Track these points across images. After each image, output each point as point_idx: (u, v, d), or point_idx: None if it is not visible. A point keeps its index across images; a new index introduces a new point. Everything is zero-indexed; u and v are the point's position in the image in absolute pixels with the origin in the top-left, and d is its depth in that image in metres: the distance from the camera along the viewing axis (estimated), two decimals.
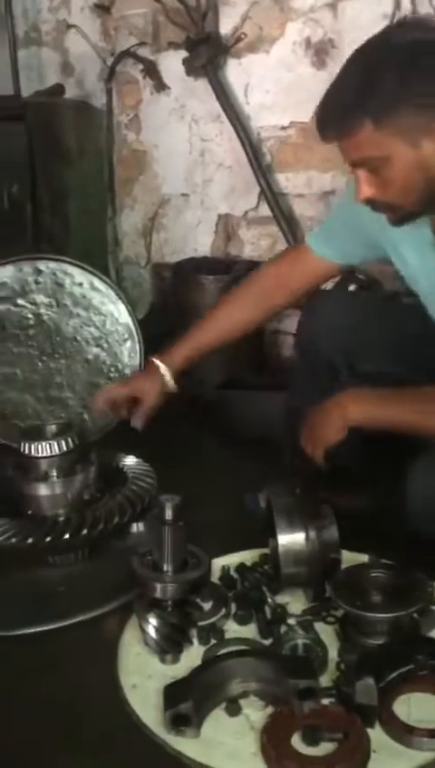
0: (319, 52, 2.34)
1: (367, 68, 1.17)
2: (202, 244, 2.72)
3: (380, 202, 1.26)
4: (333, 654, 1.28)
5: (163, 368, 1.65)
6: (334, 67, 2.29)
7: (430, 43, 1.15)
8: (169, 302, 2.62)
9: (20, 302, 2.34)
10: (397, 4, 2.18)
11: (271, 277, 1.63)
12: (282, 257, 1.67)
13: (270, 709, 1.18)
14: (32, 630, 1.41)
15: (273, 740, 1.10)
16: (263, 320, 1.69)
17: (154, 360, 1.66)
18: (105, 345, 2.38)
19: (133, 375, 1.64)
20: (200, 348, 1.65)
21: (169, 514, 1.32)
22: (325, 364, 1.62)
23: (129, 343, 2.38)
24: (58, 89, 2.65)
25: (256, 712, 1.18)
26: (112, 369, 2.39)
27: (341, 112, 1.19)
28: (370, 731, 1.12)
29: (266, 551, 1.54)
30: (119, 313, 2.37)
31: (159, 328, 2.52)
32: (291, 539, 1.39)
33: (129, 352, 2.38)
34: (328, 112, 1.22)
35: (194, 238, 2.73)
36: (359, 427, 1.40)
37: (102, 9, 2.63)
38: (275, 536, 1.42)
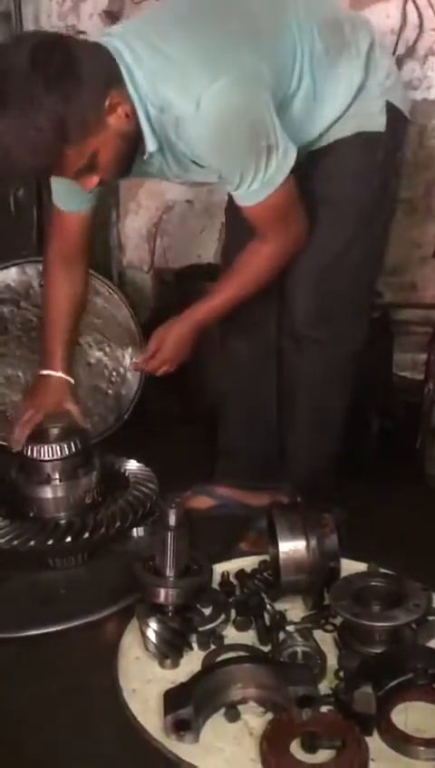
0: None
1: (24, 108, 1.24)
2: (205, 250, 2.73)
3: (105, 180, 1.43)
4: (331, 662, 1.30)
5: (56, 374, 1.71)
6: None
7: (44, 49, 1.25)
8: (172, 308, 2.62)
9: (23, 304, 2.35)
10: (404, 19, 2.21)
11: (57, 252, 1.72)
12: (52, 234, 1.73)
13: (269, 715, 1.19)
14: (32, 633, 1.42)
15: (272, 747, 1.11)
16: (84, 283, 1.78)
17: (44, 372, 1.72)
18: (107, 349, 2.40)
19: (33, 397, 1.70)
20: (66, 337, 1.74)
21: (172, 520, 1.33)
22: None
23: (130, 348, 2.40)
24: None
25: (255, 718, 1.19)
26: (114, 374, 2.41)
27: (38, 161, 1.29)
28: (368, 739, 1.13)
29: (266, 557, 1.55)
30: (121, 318, 2.39)
31: None
32: (292, 547, 1.40)
33: (130, 357, 2.39)
34: (30, 165, 1.33)
35: (197, 245, 2.74)
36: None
37: (111, 16, 2.65)
38: (275, 544, 1.43)
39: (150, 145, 1.41)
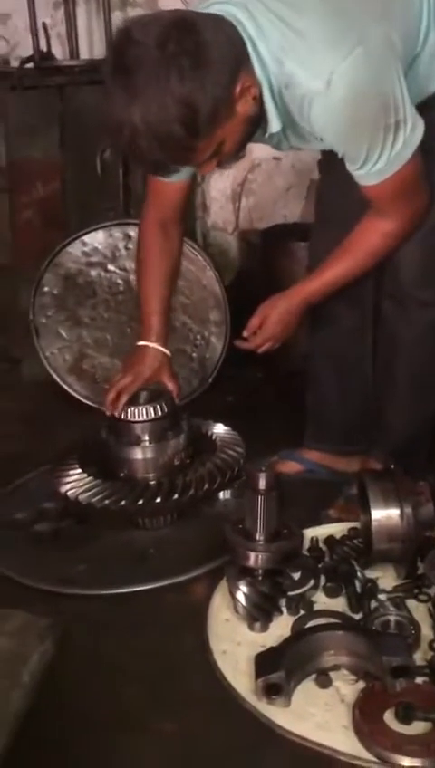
0: None
1: (155, 100, 1.18)
2: (292, 209, 2.66)
3: (223, 165, 1.38)
4: (426, 632, 1.26)
5: (154, 345, 1.68)
6: None
7: (173, 36, 1.18)
8: (257, 270, 2.58)
9: (110, 267, 2.36)
10: None
11: (155, 222, 1.68)
12: (149, 201, 1.69)
13: (361, 684, 1.17)
14: (123, 590, 1.44)
15: (365, 715, 1.09)
16: (180, 252, 1.76)
17: (142, 343, 1.69)
18: (192, 312, 2.38)
19: (132, 366, 1.68)
20: (163, 307, 1.70)
21: (263, 484, 1.31)
22: None
23: (215, 311, 2.37)
24: None
25: (346, 685, 1.18)
26: (199, 337, 2.39)
27: (165, 154, 1.24)
28: None
29: (356, 524, 1.52)
30: (206, 281, 2.37)
31: (245, 295, 2.50)
32: (385, 514, 1.36)
33: (215, 320, 2.37)
34: (156, 157, 1.25)
35: (284, 204, 2.68)
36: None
37: None
38: (367, 511, 1.39)
39: (275, 126, 1.34)
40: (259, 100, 1.30)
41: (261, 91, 1.29)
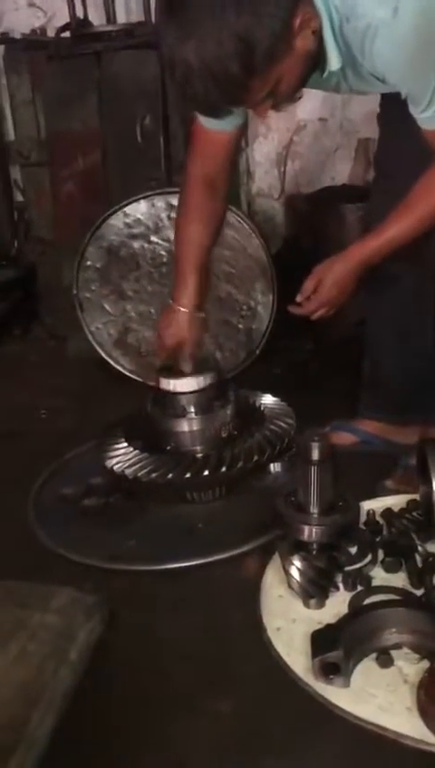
0: None
1: (211, 37, 1.11)
2: (340, 171, 2.56)
3: (278, 107, 1.29)
4: None
5: (184, 311, 1.62)
6: None
7: None
8: (304, 236, 2.50)
9: (153, 238, 2.30)
10: None
11: (199, 175, 1.59)
12: (194, 155, 1.60)
13: (425, 663, 1.10)
14: (172, 566, 1.41)
15: (431, 696, 1.03)
16: (224, 211, 1.68)
17: (171, 303, 1.65)
18: (237, 282, 2.31)
19: (165, 329, 1.64)
20: (198, 267, 1.63)
21: (316, 454, 1.25)
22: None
23: (262, 280, 2.30)
24: None
25: (409, 665, 1.11)
26: (244, 308, 2.32)
27: (220, 93, 1.17)
28: None
29: (415, 496, 1.45)
30: (252, 249, 2.29)
31: (293, 263, 2.42)
32: None
33: (262, 289, 2.30)
34: (211, 97, 1.18)
35: (331, 166, 2.57)
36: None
37: None
38: (428, 481, 1.31)
39: (334, 63, 1.25)
40: (319, 35, 1.21)
41: (320, 25, 1.20)
